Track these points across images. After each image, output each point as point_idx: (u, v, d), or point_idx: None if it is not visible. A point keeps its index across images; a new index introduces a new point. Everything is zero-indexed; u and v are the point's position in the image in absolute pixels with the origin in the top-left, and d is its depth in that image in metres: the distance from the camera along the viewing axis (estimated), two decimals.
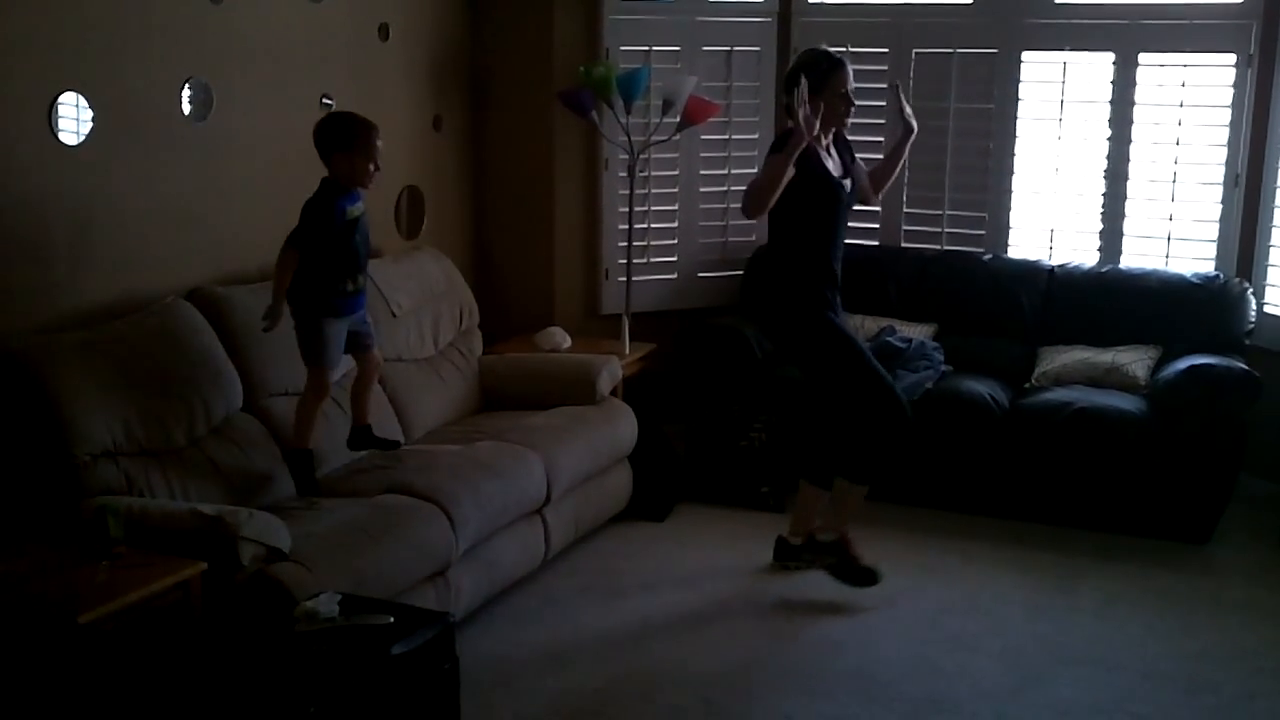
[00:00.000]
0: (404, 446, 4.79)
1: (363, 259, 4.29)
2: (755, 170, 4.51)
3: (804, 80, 4.31)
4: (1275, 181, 5.59)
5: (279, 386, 4.45)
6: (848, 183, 4.58)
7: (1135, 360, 5.52)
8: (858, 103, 4.55)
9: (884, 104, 6.09)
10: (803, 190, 4.38)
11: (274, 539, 3.61)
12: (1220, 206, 5.76)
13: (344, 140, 4.16)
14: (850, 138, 4.72)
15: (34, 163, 3.99)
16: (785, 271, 4.54)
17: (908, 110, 4.73)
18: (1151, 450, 5.14)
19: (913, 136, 4.77)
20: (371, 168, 4.20)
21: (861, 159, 4.80)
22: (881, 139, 6.12)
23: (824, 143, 4.48)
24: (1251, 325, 5.59)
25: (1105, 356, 5.57)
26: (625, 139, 5.73)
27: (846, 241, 4.66)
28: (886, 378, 4.54)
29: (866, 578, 4.66)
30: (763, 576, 4.81)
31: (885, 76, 6.13)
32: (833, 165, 4.52)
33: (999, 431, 5.35)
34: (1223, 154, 5.72)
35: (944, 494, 5.54)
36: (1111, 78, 5.84)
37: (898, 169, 4.93)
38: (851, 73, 4.47)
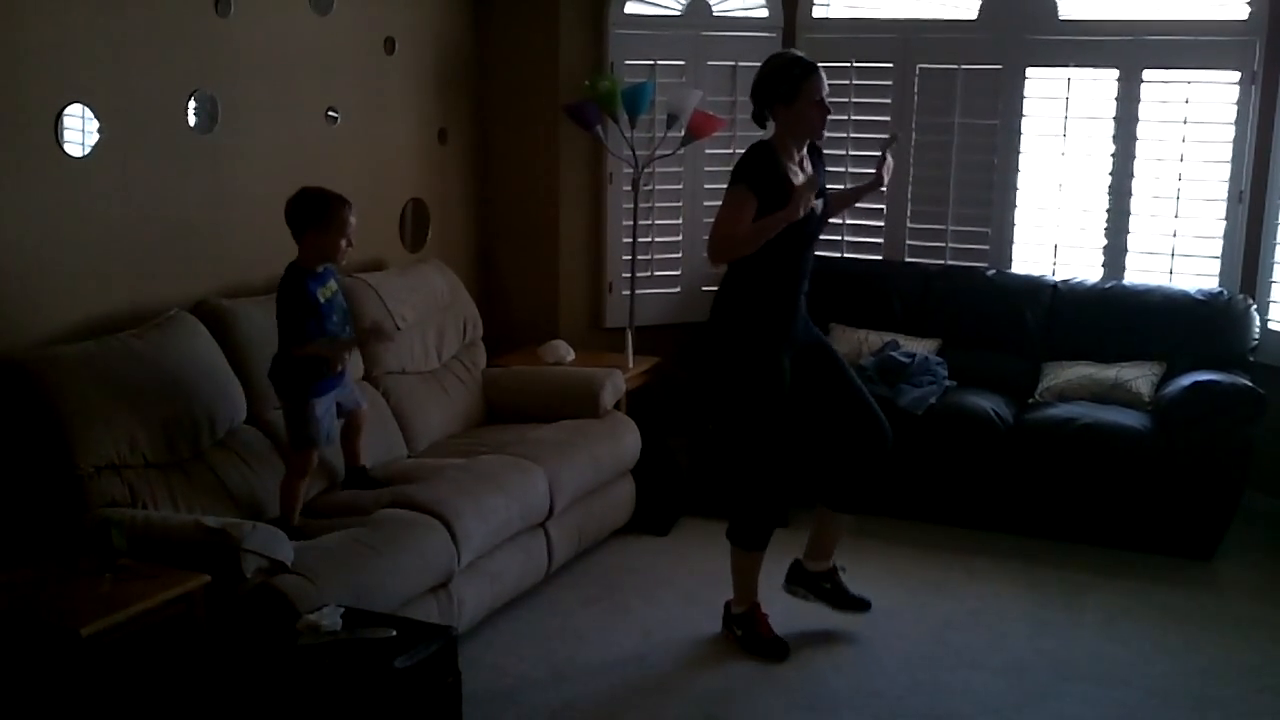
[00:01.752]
0: (408, 459, 4.80)
1: (344, 339, 4.19)
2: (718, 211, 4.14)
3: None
4: (1279, 198, 5.59)
5: (285, 429, 4.43)
6: (818, 204, 4.18)
7: (1139, 376, 5.52)
8: (859, 117, 4.45)
9: (887, 118, 6.12)
10: (768, 208, 4.02)
11: (277, 552, 3.61)
12: (1224, 222, 5.77)
13: (316, 217, 4.06)
14: (854, 153, 4.60)
15: (40, 174, 4.00)
16: (742, 305, 4.20)
17: (888, 164, 4.33)
18: (1155, 466, 5.14)
19: (877, 190, 4.44)
20: (344, 244, 4.09)
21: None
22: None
23: (797, 158, 4.17)
24: (1255, 341, 5.59)
25: (1109, 372, 5.57)
26: (630, 153, 5.74)
27: (850, 255, 4.62)
28: (777, 450, 4.24)
29: (774, 649, 4.38)
30: (766, 591, 4.79)
31: (890, 91, 6.15)
32: (805, 172, 4.19)
33: (1003, 447, 5.35)
34: (1226, 170, 5.72)
35: (948, 509, 5.53)
36: (1115, 94, 5.85)
37: (845, 209, 4.76)
38: (825, 78, 4.11)
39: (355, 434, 4.44)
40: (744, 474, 4.31)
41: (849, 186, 4.53)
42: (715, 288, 6.13)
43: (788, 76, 4.09)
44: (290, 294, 4.08)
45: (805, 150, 4.24)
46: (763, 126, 4.26)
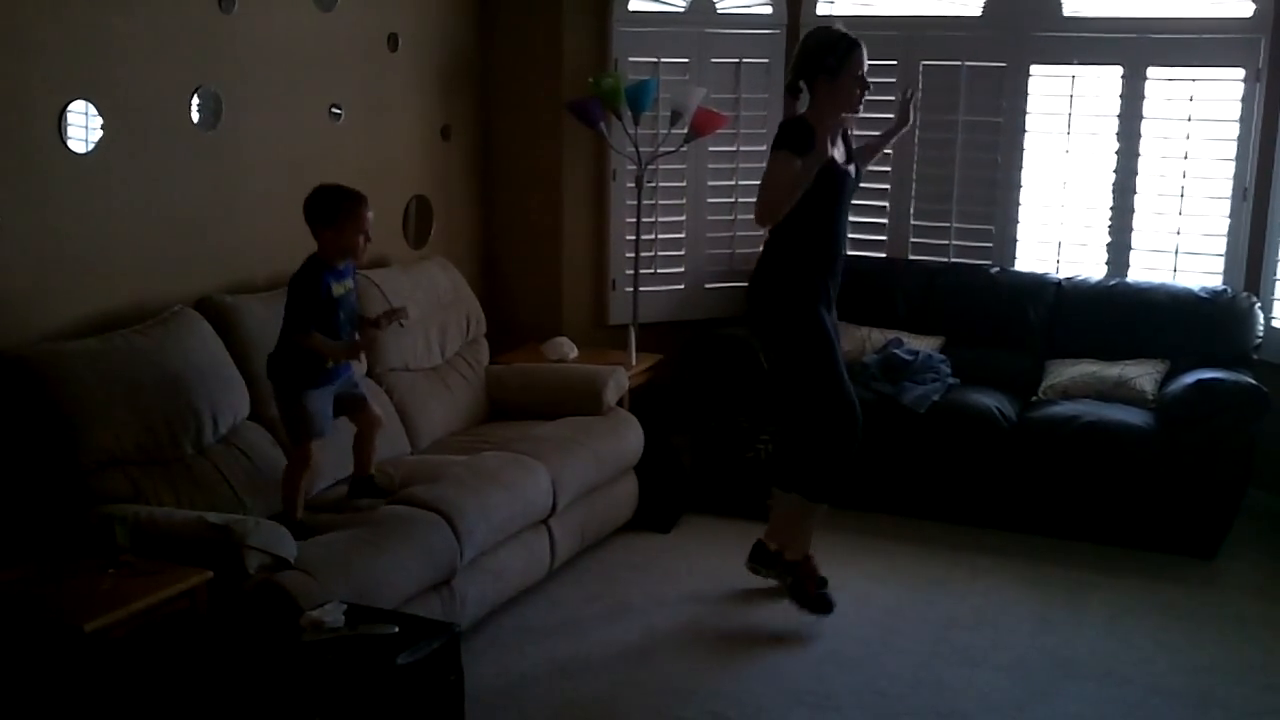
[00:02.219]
0: (411, 456, 4.80)
1: (346, 339, 4.18)
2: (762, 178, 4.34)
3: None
4: None
5: (281, 423, 4.43)
6: (851, 168, 4.43)
7: (1143, 374, 5.51)
8: (862, 114, 4.48)
9: (890, 115, 6.11)
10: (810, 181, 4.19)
11: (280, 548, 3.61)
12: (1228, 220, 5.76)
13: (330, 215, 4.04)
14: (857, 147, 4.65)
15: (43, 170, 4.00)
16: (783, 260, 4.38)
17: (915, 100, 4.59)
18: (1159, 464, 5.13)
19: (905, 128, 4.66)
20: (362, 240, 4.08)
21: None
22: (889, 151, 6.13)
23: (832, 130, 4.32)
24: (1259, 340, 5.58)
25: (1113, 370, 5.56)
26: (633, 150, 5.74)
27: (854, 253, 4.64)
28: (849, 390, 4.41)
29: (820, 605, 4.51)
30: (769, 589, 4.78)
31: (894, 89, 6.13)
32: (838, 152, 4.35)
33: (1006, 445, 5.34)
34: (1231, 168, 5.71)
35: (951, 507, 5.53)
36: (1120, 91, 5.84)
37: (878, 154, 4.85)
38: (866, 54, 4.28)
39: (366, 441, 4.37)
40: (811, 423, 4.38)
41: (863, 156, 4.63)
42: (719, 285, 6.26)
43: (834, 50, 4.22)
44: (302, 282, 4.07)
45: (838, 127, 4.39)
46: (795, 97, 4.37)
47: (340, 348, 4.10)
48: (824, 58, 4.22)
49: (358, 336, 4.22)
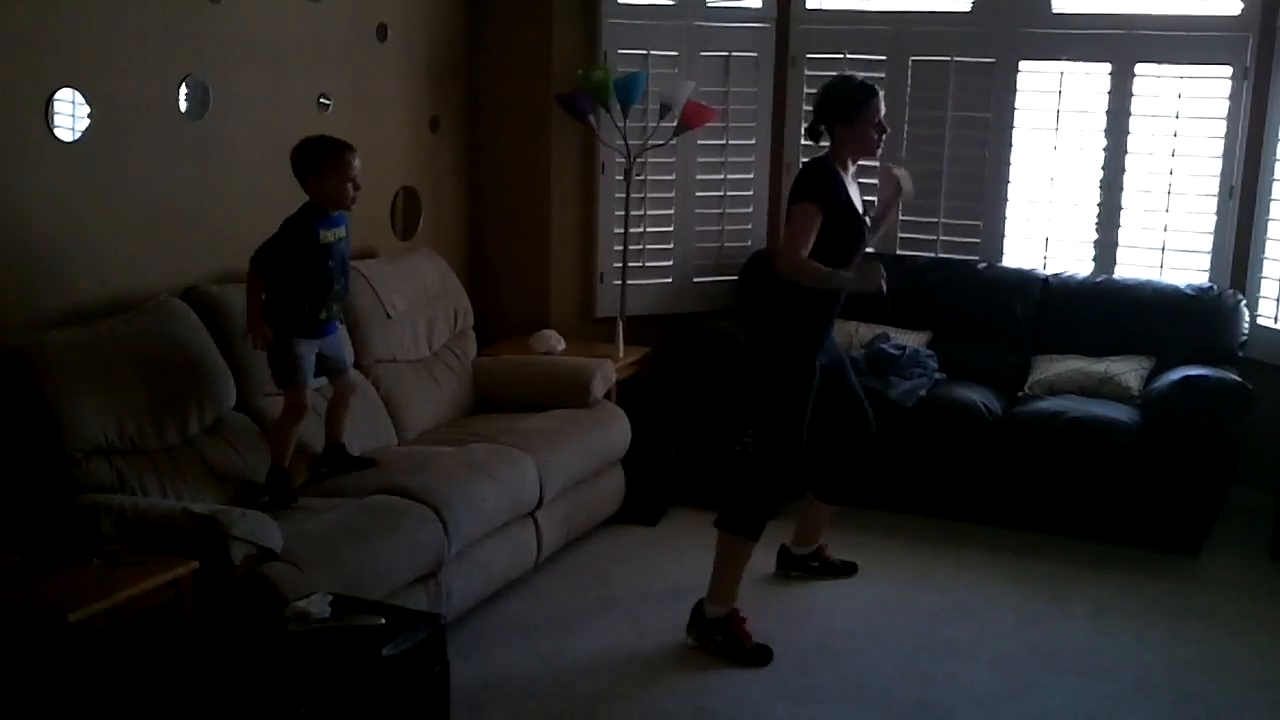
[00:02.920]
0: (398, 447, 4.80)
1: (337, 288, 4.21)
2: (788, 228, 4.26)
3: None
4: (1270, 194, 5.61)
5: (272, 386, 4.44)
6: (867, 220, 4.46)
7: (1128, 370, 5.53)
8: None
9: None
10: (833, 227, 4.20)
11: (266, 539, 3.60)
12: (1215, 218, 5.78)
13: (312, 164, 4.11)
14: None
15: (30, 159, 3.98)
16: (792, 305, 4.27)
17: (902, 176, 4.60)
18: (1143, 461, 5.15)
19: (902, 197, 4.65)
20: (349, 188, 4.13)
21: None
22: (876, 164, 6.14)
23: (850, 173, 4.38)
24: (1245, 337, 5.60)
25: (1099, 366, 5.58)
26: (622, 143, 5.74)
27: None
28: (799, 447, 4.32)
29: (758, 657, 4.28)
30: (754, 582, 4.79)
31: (883, 84, 6.13)
32: (857, 199, 4.39)
33: (992, 440, 5.36)
34: (1218, 166, 5.73)
35: (936, 502, 5.55)
36: (1108, 88, 5.85)
37: (885, 226, 4.79)
38: (883, 101, 4.36)
39: (340, 406, 4.44)
40: (763, 461, 4.34)
41: (873, 208, 4.67)
42: (707, 279, 6.26)
43: (852, 101, 4.31)
44: (290, 223, 4.13)
45: (855, 169, 4.46)
46: (816, 141, 4.45)
47: (257, 313, 4.09)
48: (841, 109, 4.30)
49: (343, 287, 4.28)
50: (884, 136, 4.40)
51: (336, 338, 4.36)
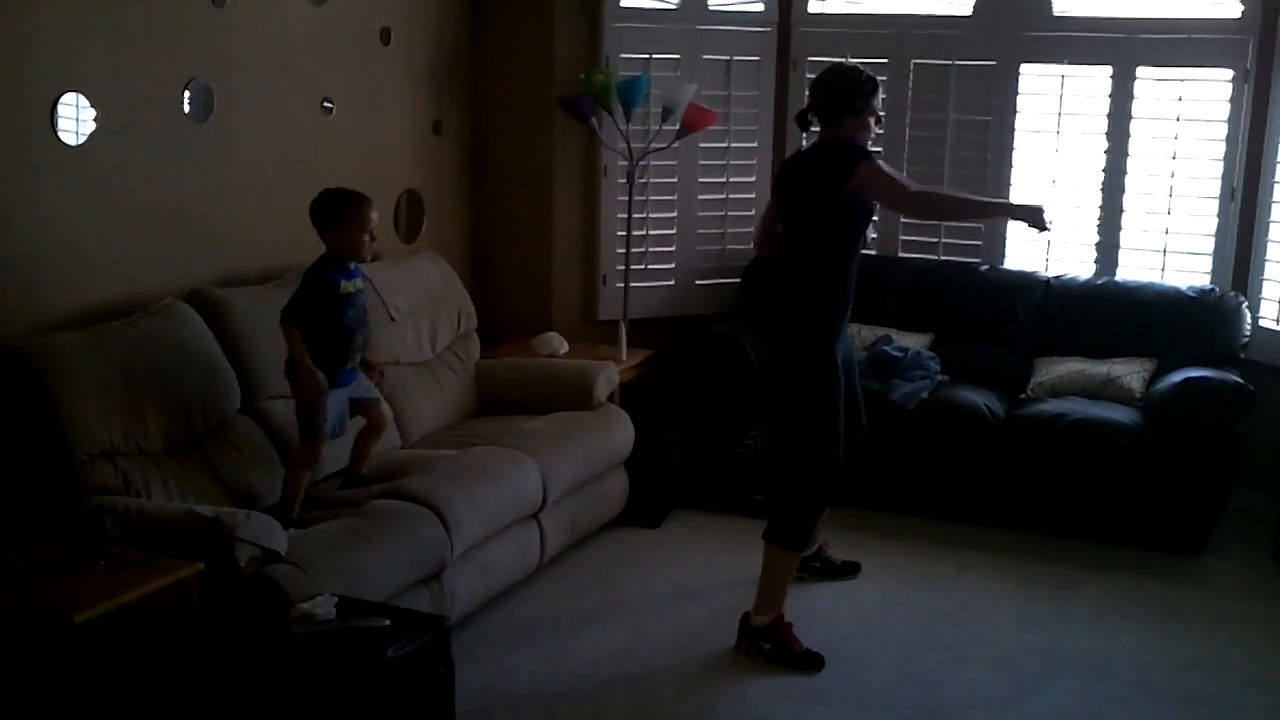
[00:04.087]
0: (401, 450, 4.82)
1: (356, 341, 4.24)
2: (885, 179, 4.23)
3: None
4: (1271, 195, 5.62)
5: (277, 389, 4.45)
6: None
7: (1130, 372, 5.54)
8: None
9: (882, 113, 6.12)
10: (855, 212, 4.20)
11: (270, 541, 3.61)
12: (1216, 220, 5.79)
13: (332, 216, 4.15)
14: None
15: (35, 163, 4.00)
16: (813, 300, 4.25)
17: None
18: (1146, 462, 5.16)
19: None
20: (366, 238, 4.18)
21: None
22: (879, 149, 6.15)
23: None
24: (1246, 339, 5.61)
25: (1101, 368, 5.59)
26: (624, 146, 5.75)
27: None
28: (840, 445, 4.27)
29: (811, 662, 4.27)
30: (755, 584, 4.79)
31: (885, 87, 6.13)
32: None
33: (994, 442, 5.36)
34: (1219, 168, 5.74)
35: (939, 503, 5.55)
36: (1109, 91, 5.87)
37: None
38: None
39: (372, 437, 4.46)
40: (805, 468, 4.28)
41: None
42: (710, 281, 6.27)
43: (861, 92, 4.24)
44: (311, 275, 4.16)
45: None
46: (805, 130, 4.38)
47: (306, 365, 4.08)
48: (851, 100, 4.22)
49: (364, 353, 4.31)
50: (879, 124, 4.38)
51: (360, 379, 4.36)
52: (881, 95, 4.33)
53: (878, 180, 4.16)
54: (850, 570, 4.96)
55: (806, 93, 4.42)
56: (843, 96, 4.25)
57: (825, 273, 4.24)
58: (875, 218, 6.10)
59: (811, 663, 4.26)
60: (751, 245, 6.31)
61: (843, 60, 4.41)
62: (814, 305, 4.25)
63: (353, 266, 4.22)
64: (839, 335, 4.32)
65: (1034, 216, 4.14)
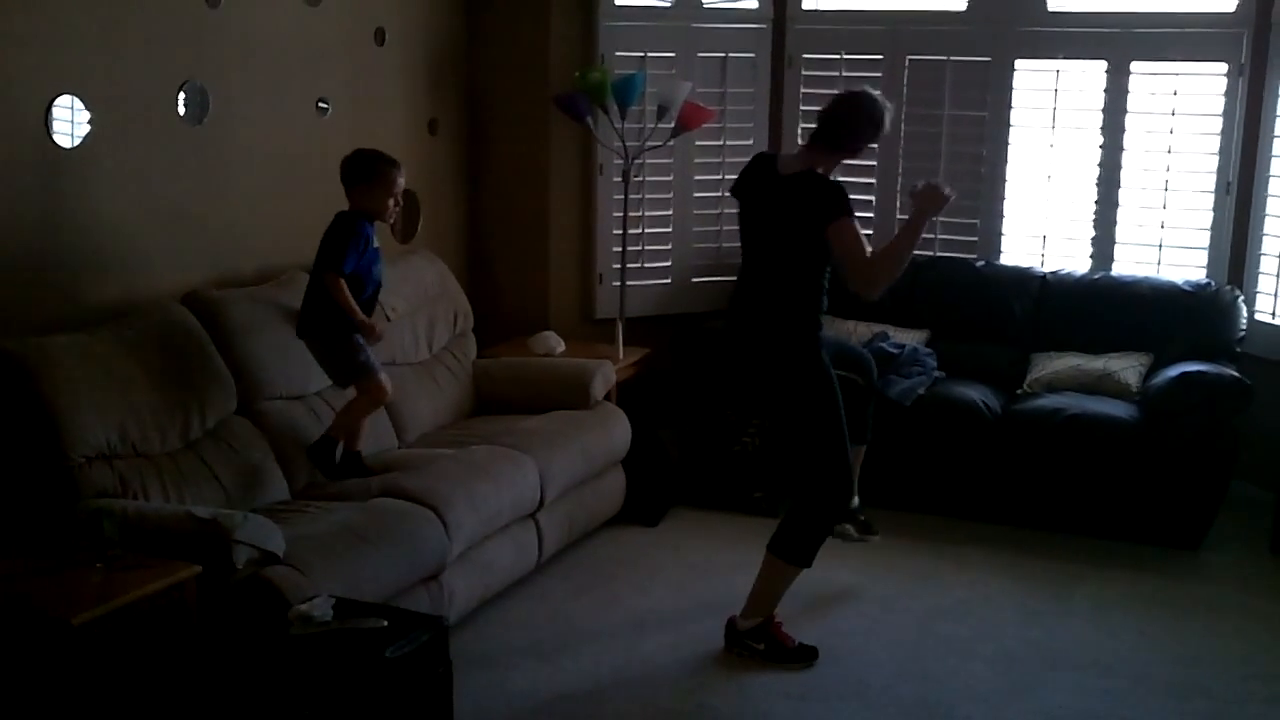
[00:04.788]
0: (399, 449, 4.81)
1: (378, 290, 4.42)
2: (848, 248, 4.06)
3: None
4: (1266, 189, 5.63)
5: (274, 390, 4.46)
6: None
7: (1127, 367, 5.54)
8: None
9: None
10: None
11: (268, 542, 3.60)
12: (1212, 214, 5.80)
13: (363, 175, 4.28)
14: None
15: (30, 165, 3.99)
16: (794, 312, 4.18)
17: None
18: (1143, 457, 5.16)
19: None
20: (391, 203, 4.31)
21: None
22: (874, 145, 6.15)
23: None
24: (1243, 332, 5.61)
25: (1097, 363, 5.59)
26: (620, 144, 5.75)
27: None
28: (848, 451, 4.23)
29: (805, 655, 4.29)
30: (748, 582, 4.78)
31: (880, 84, 6.15)
32: None
33: (991, 437, 5.37)
34: (1214, 162, 5.75)
35: (936, 499, 5.56)
36: (1104, 86, 5.87)
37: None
38: None
39: (368, 409, 4.48)
40: (820, 486, 4.20)
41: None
42: (706, 279, 6.27)
43: (878, 125, 4.17)
44: (342, 225, 4.27)
45: None
46: (831, 149, 4.18)
47: (360, 315, 4.23)
48: (872, 132, 4.17)
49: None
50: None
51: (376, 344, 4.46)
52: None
53: (843, 243, 4.02)
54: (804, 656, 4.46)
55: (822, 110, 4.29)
56: (862, 128, 4.16)
57: (805, 290, 4.18)
58: (870, 214, 6.17)
59: (806, 656, 4.27)
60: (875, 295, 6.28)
61: (873, 93, 4.26)
62: (799, 321, 4.18)
63: (373, 223, 4.35)
64: (824, 342, 4.28)
65: (935, 199, 4.10)
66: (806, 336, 4.20)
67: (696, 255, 6.34)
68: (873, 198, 6.28)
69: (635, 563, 5.09)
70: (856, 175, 6.22)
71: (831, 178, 4.15)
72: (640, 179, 6.05)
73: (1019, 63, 6.00)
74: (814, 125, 4.23)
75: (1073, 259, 6.07)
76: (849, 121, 4.16)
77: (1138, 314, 5.69)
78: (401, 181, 4.33)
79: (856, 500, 4.84)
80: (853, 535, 4.92)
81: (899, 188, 6.23)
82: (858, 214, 4.06)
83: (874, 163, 6.23)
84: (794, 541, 4.25)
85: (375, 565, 3.85)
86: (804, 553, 4.26)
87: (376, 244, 4.37)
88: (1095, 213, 5.99)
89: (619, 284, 5.96)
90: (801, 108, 6.28)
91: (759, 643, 4.28)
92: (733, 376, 5.15)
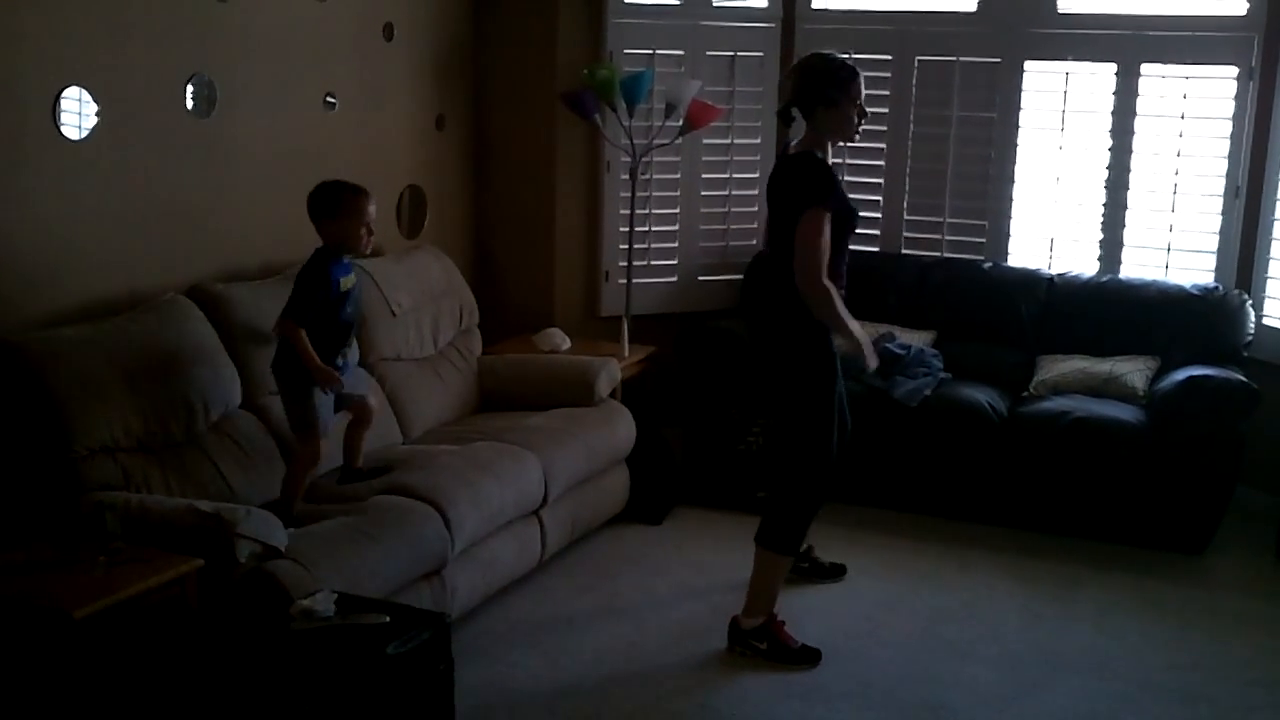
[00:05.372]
0: (403, 445, 4.81)
1: (352, 333, 4.27)
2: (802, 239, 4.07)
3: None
4: (1275, 194, 5.60)
5: (286, 417, 4.43)
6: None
7: (1133, 370, 5.53)
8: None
9: (885, 110, 6.13)
10: (834, 220, 4.06)
11: (271, 537, 3.61)
12: (1220, 218, 5.77)
13: (329, 209, 4.11)
14: (849, 145, 4.55)
15: (37, 157, 3.99)
16: (796, 298, 4.11)
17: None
18: (1149, 461, 5.15)
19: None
20: (363, 232, 4.14)
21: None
22: (883, 145, 6.15)
23: (829, 156, 4.25)
24: (1250, 337, 5.59)
25: (1104, 366, 5.57)
26: (627, 142, 5.74)
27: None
28: (833, 447, 4.23)
29: (809, 657, 4.29)
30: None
31: (889, 84, 6.15)
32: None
33: (997, 440, 5.35)
34: (1223, 166, 5.72)
35: (941, 501, 5.54)
36: (1113, 88, 5.84)
37: None
38: (863, 81, 4.16)
39: (360, 430, 4.42)
40: (799, 470, 4.24)
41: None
42: (712, 278, 6.26)
43: (835, 79, 4.09)
44: (310, 270, 4.13)
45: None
46: (787, 125, 4.28)
47: (317, 365, 4.06)
48: (824, 89, 4.08)
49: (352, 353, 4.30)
50: (863, 120, 4.19)
51: (350, 374, 4.34)
52: (864, 89, 4.14)
53: (804, 235, 4.02)
54: (836, 572, 4.89)
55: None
56: (815, 85, 4.10)
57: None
58: (877, 214, 6.16)
59: (809, 657, 4.26)
60: (756, 241, 6.31)
61: (831, 52, 4.27)
62: (802, 308, 4.14)
63: (346, 260, 4.20)
64: (829, 334, 4.23)
65: (856, 351, 4.17)
66: (809, 323, 4.16)
67: (703, 253, 6.33)
68: (879, 198, 6.26)
69: (638, 561, 5.09)
70: (863, 175, 6.22)
71: (828, 158, 4.17)
72: (647, 177, 6.04)
73: (1028, 64, 5.98)
74: None
75: (1080, 261, 6.05)
76: (802, 79, 4.14)
77: (1145, 317, 5.68)
78: (372, 210, 4.15)
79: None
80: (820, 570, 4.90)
81: (906, 187, 6.22)
82: (863, 213, 4.05)
83: (881, 163, 6.21)
84: (776, 530, 4.28)
85: (377, 561, 3.84)
86: (788, 541, 4.28)
87: (353, 280, 4.22)
88: (1103, 215, 5.97)
89: (625, 281, 5.95)
90: (776, 111, 6.25)
91: (761, 642, 4.28)
92: (746, 355, 5.15)
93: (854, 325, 4.12)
